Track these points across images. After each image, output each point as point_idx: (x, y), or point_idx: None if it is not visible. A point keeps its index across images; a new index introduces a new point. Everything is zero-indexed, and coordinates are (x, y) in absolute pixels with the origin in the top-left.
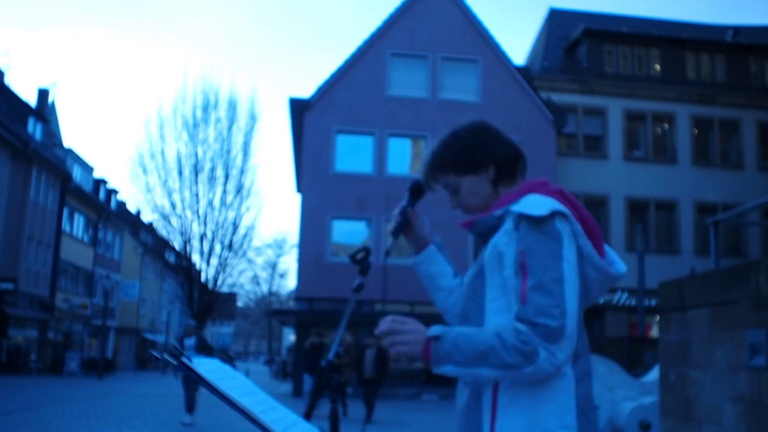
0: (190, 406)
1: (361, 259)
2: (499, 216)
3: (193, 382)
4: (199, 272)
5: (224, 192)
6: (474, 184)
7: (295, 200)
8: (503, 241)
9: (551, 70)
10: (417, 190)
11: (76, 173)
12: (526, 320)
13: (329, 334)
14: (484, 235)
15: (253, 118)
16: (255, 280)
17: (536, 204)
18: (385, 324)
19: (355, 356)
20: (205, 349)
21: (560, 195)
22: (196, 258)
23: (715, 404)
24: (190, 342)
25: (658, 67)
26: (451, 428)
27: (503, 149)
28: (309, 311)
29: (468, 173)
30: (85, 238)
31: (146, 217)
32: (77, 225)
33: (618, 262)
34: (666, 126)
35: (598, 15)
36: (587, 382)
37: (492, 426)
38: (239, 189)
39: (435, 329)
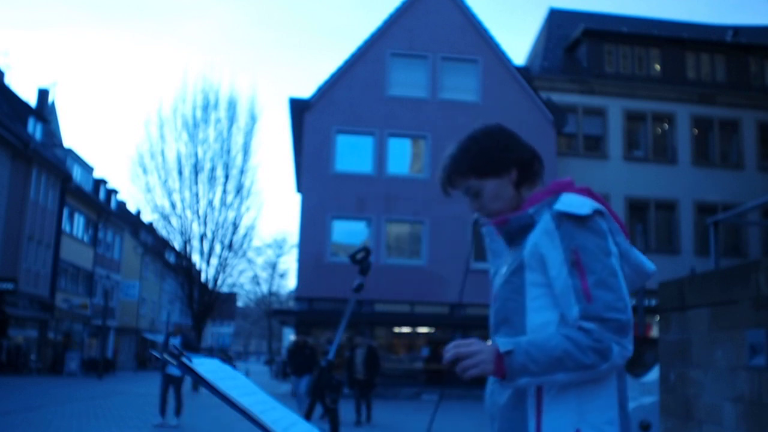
0: (178, 408)
1: (361, 259)
2: (532, 214)
3: (175, 383)
4: (199, 272)
5: (224, 192)
6: (496, 187)
7: (295, 200)
8: (544, 241)
9: (551, 70)
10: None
11: (76, 173)
12: (596, 317)
13: (322, 334)
14: (513, 234)
15: (253, 118)
16: (255, 280)
17: (578, 203)
18: (449, 353)
19: (345, 356)
20: (190, 349)
21: (590, 194)
22: (196, 258)
23: (715, 404)
24: (175, 341)
25: (658, 67)
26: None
27: (523, 151)
28: (309, 311)
29: (490, 176)
30: (85, 238)
31: (146, 217)
32: (77, 225)
33: (647, 261)
34: (666, 126)
35: (598, 15)
36: (624, 378)
37: (538, 424)
38: (239, 189)
39: (504, 344)
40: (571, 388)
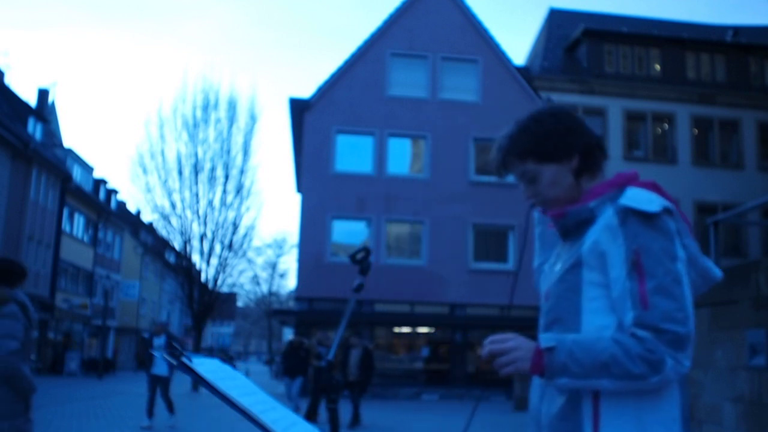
0: (169, 407)
1: (361, 259)
2: (593, 208)
3: (162, 383)
4: (199, 272)
5: (224, 192)
6: (555, 173)
7: (295, 200)
8: (605, 237)
9: (551, 70)
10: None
11: (76, 173)
12: (651, 326)
13: (315, 335)
14: (570, 228)
15: (253, 118)
16: (255, 280)
17: (646, 199)
18: (485, 348)
19: (339, 357)
20: (173, 348)
21: (656, 188)
22: (196, 258)
23: (715, 404)
24: (159, 341)
25: (658, 67)
26: (451, 428)
27: (587, 137)
28: (309, 311)
29: (550, 161)
30: (85, 238)
31: (146, 217)
32: (77, 225)
33: (714, 266)
34: (666, 126)
35: (598, 15)
36: (687, 389)
37: None
38: (239, 189)
39: (547, 339)
40: (631, 400)
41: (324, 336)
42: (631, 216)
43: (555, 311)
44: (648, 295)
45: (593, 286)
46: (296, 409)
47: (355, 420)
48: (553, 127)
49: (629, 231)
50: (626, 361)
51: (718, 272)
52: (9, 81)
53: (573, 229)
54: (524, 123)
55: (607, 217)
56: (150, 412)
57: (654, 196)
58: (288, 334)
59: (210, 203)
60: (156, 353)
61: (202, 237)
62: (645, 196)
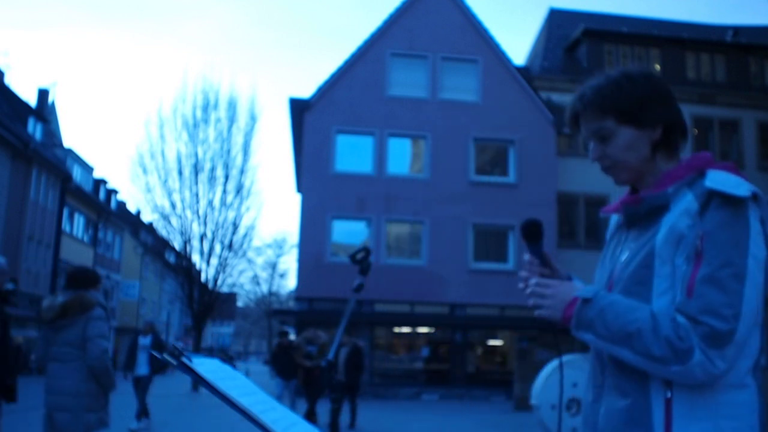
0: (143, 412)
1: (361, 259)
2: (671, 194)
3: (141, 384)
4: (199, 272)
5: (224, 192)
6: (632, 139)
7: (295, 200)
8: (685, 222)
9: (551, 70)
10: (535, 233)
11: (76, 173)
12: (688, 315)
13: (303, 333)
14: (638, 217)
15: (253, 118)
16: (255, 280)
17: (733, 182)
18: (529, 288)
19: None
20: (159, 348)
21: (737, 172)
22: (196, 258)
23: None
24: (145, 341)
25: (658, 67)
26: (451, 428)
27: (676, 114)
28: (309, 311)
29: (632, 124)
30: (85, 238)
31: (146, 217)
32: (77, 225)
33: None
34: None
35: (598, 15)
36: (763, 395)
37: None
38: (239, 189)
39: (586, 290)
40: (706, 405)
41: (313, 334)
42: (713, 199)
43: None
44: (696, 283)
45: (664, 278)
46: (312, 405)
47: (352, 421)
48: (646, 90)
49: (707, 216)
50: (651, 339)
51: None
52: (9, 81)
53: (643, 216)
54: (615, 77)
55: (687, 201)
56: (144, 413)
57: (742, 180)
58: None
59: (210, 203)
60: (141, 354)
61: (202, 237)
62: (732, 179)
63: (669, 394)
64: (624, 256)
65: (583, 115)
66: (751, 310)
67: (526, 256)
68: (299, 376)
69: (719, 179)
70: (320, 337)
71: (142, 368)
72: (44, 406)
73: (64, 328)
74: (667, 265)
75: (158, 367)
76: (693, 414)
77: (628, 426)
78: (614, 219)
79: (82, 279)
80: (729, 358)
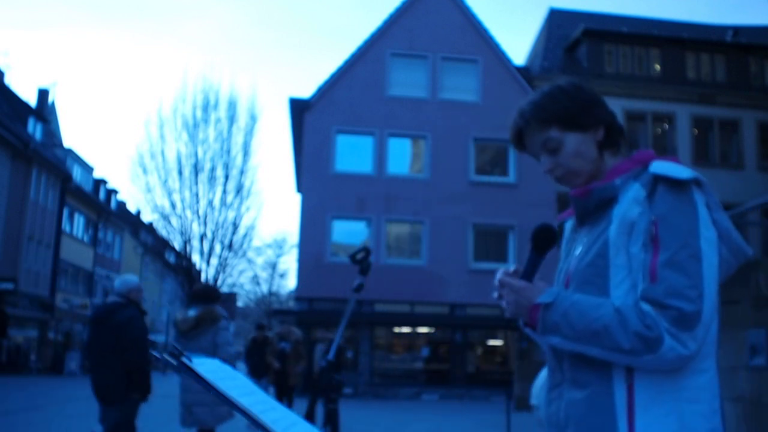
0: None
1: (361, 259)
2: (619, 186)
3: None
4: (199, 272)
5: (224, 192)
6: (579, 143)
7: (295, 200)
8: (635, 210)
9: (551, 70)
10: (547, 239)
11: (76, 173)
12: (655, 301)
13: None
14: (590, 208)
15: (253, 118)
16: (255, 280)
17: (675, 168)
18: (497, 277)
19: (302, 354)
20: None
21: (679, 163)
22: (196, 258)
23: None
24: None
25: (658, 67)
26: (451, 428)
27: (610, 114)
28: (309, 311)
29: (575, 129)
30: (85, 238)
31: (146, 217)
32: (77, 225)
33: (744, 243)
34: (666, 126)
35: (598, 15)
36: (720, 379)
37: (631, 430)
38: (239, 189)
39: (547, 295)
40: (668, 389)
41: (286, 330)
42: (660, 185)
43: None
44: (658, 268)
45: (619, 268)
46: (312, 405)
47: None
48: (579, 96)
49: (655, 201)
50: (618, 334)
51: (748, 249)
52: (9, 81)
53: (592, 210)
54: (549, 90)
55: (635, 190)
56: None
57: (684, 167)
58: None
59: (210, 203)
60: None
61: (202, 237)
62: (675, 166)
63: (630, 380)
64: (578, 251)
65: (527, 130)
66: (712, 290)
67: (517, 266)
68: (270, 375)
69: (663, 166)
70: (294, 333)
71: None
72: (181, 402)
73: (197, 337)
74: (621, 254)
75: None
76: (655, 398)
77: (590, 414)
78: (568, 226)
79: (209, 295)
80: (699, 338)
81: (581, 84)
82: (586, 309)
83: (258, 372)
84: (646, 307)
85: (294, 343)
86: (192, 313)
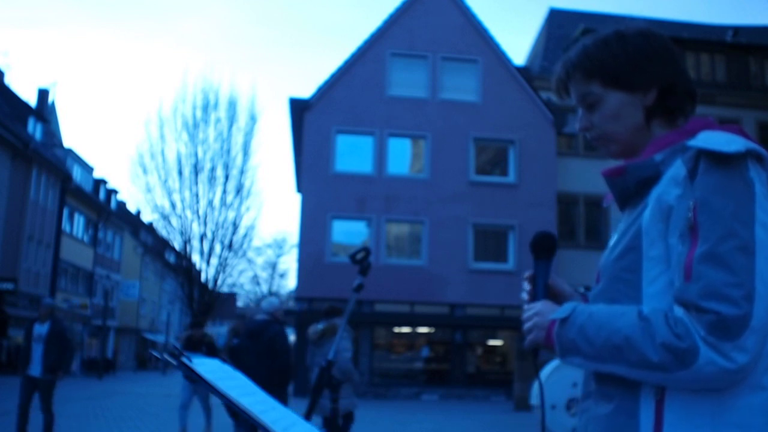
0: (47, 427)
1: (361, 259)
2: (660, 162)
3: (40, 388)
4: (199, 272)
5: (224, 192)
6: (621, 104)
7: (295, 200)
8: (673, 192)
9: (551, 70)
10: (549, 247)
11: (76, 173)
12: (689, 303)
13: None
14: (630, 189)
15: (253, 118)
16: (255, 280)
17: (724, 139)
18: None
19: (230, 346)
20: (61, 340)
21: (742, 133)
22: (196, 258)
23: None
24: (41, 329)
25: None
26: (451, 428)
27: (677, 74)
28: (309, 311)
29: (619, 88)
30: (85, 238)
31: (146, 217)
32: (77, 225)
33: None
34: None
35: (598, 15)
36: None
37: None
38: (239, 189)
39: (562, 309)
40: (705, 408)
41: (242, 324)
42: (703, 161)
43: (608, 294)
44: (694, 263)
45: (655, 262)
46: (312, 405)
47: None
48: (637, 48)
49: (696, 181)
50: (643, 346)
51: None
52: (9, 81)
53: (633, 191)
54: (605, 36)
55: (675, 167)
56: (22, 429)
57: (736, 137)
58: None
59: (210, 203)
60: (36, 347)
61: (202, 237)
62: (723, 137)
63: (660, 396)
64: (612, 240)
65: (570, 79)
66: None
67: (526, 274)
68: None
69: (708, 138)
70: (197, 333)
71: (36, 367)
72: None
73: (323, 345)
74: (657, 245)
75: (56, 366)
76: (690, 419)
77: (616, 428)
78: None
79: (333, 312)
80: (750, 349)
81: (650, 32)
82: (605, 320)
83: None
84: (678, 311)
85: (185, 339)
86: (320, 326)
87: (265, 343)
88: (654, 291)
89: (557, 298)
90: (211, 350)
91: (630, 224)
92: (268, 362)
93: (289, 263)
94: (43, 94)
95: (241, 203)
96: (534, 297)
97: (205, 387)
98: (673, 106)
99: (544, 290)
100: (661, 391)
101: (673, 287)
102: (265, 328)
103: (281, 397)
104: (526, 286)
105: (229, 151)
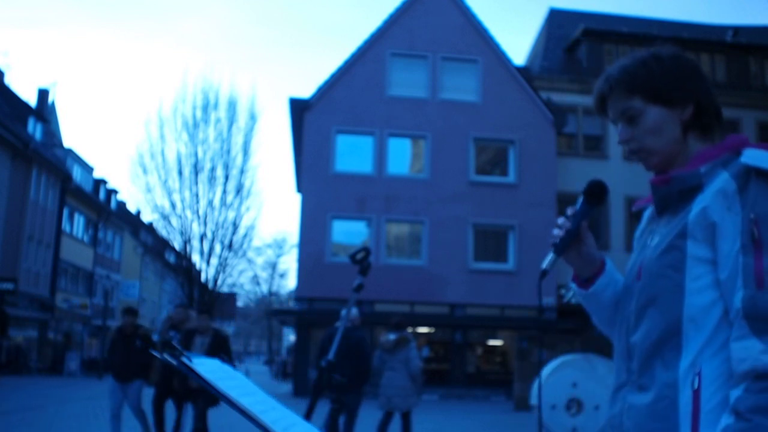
0: None
1: (361, 259)
2: (704, 174)
3: None
4: (199, 272)
5: (224, 192)
6: (661, 118)
7: (295, 200)
8: (718, 205)
9: (551, 70)
10: (598, 193)
11: (76, 173)
12: (762, 311)
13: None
14: (671, 197)
15: (253, 118)
16: (255, 280)
17: None
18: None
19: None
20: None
21: None
22: (196, 258)
23: None
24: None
25: None
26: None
27: (708, 93)
28: (309, 311)
29: (659, 102)
30: (85, 238)
31: (146, 217)
32: (77, 225)
33: None
34: None
35: (598, 15)
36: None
37: None
38: (239, 189)
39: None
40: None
41: (181, 315)
42: (754, 178)
43: (651, 290)
44: (766, 273)
45: (699, 262)
46: (312, 406)
47: None
48: (674, 67)
49: (749, 196)
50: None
51: None
52: (9, 81)
53: (675, 199)
54: (642, 57)
55: (722, 180)
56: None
57: None
58: (288, 334)
59: (210, 203)
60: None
61: (202, 237)
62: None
63: (696, 385)
64: (655, 241)
65: (610, 96)
66: None
67: (569, 212)
68: (151, 377)
69: (758, 156)
70: (191, 319)
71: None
72: (382, 393)
73: (396, 354)
74: (701, 247)
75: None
76: (724, 408)
77: (652, 421)
78: (646, 214)
79: (402, 324)
80: None
81: (681, 54)
82: None
83: (124, 373)
84: (747, 342)
85: (185, 334)
86: (392, 337)
87: (351, 347)
88: (697, 287)
89: (582, 254)
90: (147, 343)
91: (674, 227)
92: (354, 363)
93: (289, 263)
94: (43, 94)
95: (241, 203)
96: (561, 245)
97: (137, 393)
98: (707, 122)
99: (572, 238)
100: (698, 378)
101: (714, 286)
102: (348, 334)
103: (361, 392)
104: (562, 220)
105: (229, 151)
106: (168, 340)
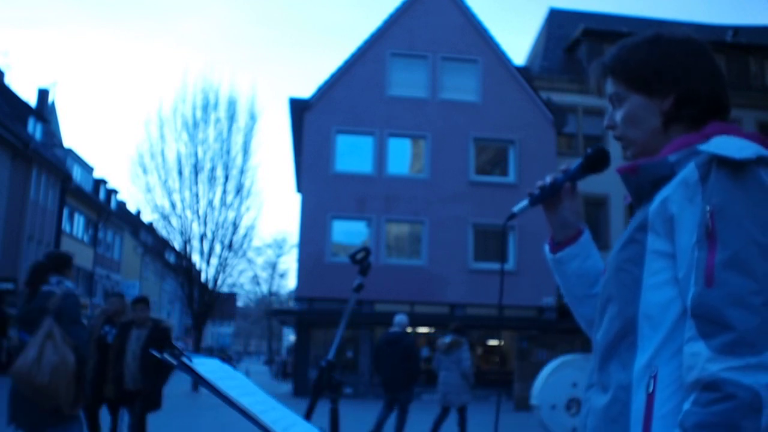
0: None
1: (361, 259)
2: (674, 163)
3: None
4: (199, 272)
5: (224, 192)
6: (639, 107)
7: (295, 200)
8: (679, 195)
9: (551, 70)
10: (596, 161)
11: (76, 173)
12: (710, 311)
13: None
14: (643, 188)
15: (253, 118)
16: (255, 280)
17: (735, 145)
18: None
19: (117, 342)
20: None
21: (758, 139)
22: (196, 258)
23: None
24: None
25: None
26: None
27: (701, 82)
28: (309, 311)
29: (639, 90)
30: (85, 238)
31: (146, 217)
32: (77, 225)
33: None
34: None
35: (598, 15)
36: None
37: None
38: (239, 189)
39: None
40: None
41: (117, 306)
42: (715, 167)
43: (611, 285)
44: (716, 269)
45: (659, 257)
46: (312, 405)
47: None
48: (664, 53)
49: (710, 187)
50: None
51: None
52: (9, 81)
53: (649, 190)
54: (642, 38)
55: (688, 170)
56: None
57: (749, 143)
58: (288, 334)
59: (210, 203)
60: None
61: (202, 237)
62: (736, 142)
63: (651, 388)
64: (620, 241)
65: (603, 75)
66: None
67: (561, 171)
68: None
69: (720, 143)
70: (129, 313)
71: None
72: (440, 391)
73: (450, 355)
74: (660, 240)
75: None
76: (678, 414)
77: (605, 424)
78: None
79: (460, 330)
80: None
81: (685, 39)
82: None
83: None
84: (695, 346)
85: (120, 327)
86: (447, 339)
87: (402, 350)
88: (655, 282)
89: (559, 215)
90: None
91: (635, 218)
92: (405, 365)
93: (289, 263)
94: (43, 94)
95: (241, 203)
96: (538, 196)
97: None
98: (692, 114)
99: (551, 194)
100: (653, 382)
101: (673, 283)
102: (401, 338)
103: (412, 389)
104: (548, 182)
105: (229, 151)
106: (102, 337)
